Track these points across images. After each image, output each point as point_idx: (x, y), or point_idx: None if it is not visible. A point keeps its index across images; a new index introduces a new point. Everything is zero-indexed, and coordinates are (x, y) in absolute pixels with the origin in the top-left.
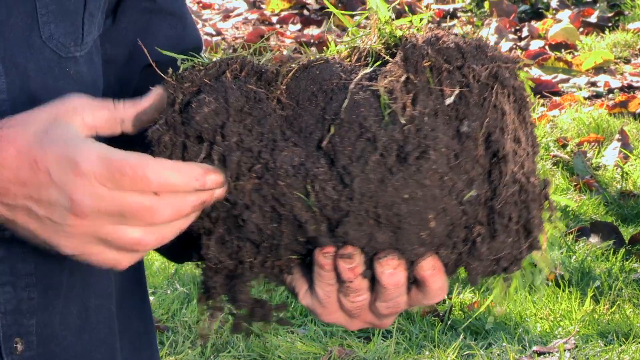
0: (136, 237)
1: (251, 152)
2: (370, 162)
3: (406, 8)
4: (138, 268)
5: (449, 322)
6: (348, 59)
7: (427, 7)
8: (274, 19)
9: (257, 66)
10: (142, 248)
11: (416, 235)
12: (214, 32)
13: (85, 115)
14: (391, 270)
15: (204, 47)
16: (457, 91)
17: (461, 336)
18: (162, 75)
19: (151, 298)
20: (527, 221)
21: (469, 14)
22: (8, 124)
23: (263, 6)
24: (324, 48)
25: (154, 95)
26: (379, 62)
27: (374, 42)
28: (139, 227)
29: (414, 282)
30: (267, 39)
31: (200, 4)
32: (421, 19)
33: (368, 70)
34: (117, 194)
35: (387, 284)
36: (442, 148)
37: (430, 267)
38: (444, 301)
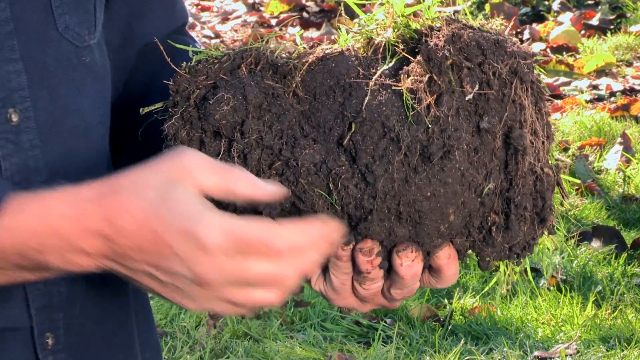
0: (264, 299)
1: (272, 149)
2: (394, 162)
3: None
4: None
5: (449, 327)
6: (362, 51)
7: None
8: (273, 22)
9: (272, 59)
10: (269, 306)
11: (435, 229)
12: (212, 35)
13: (199, 176)
14: (409, 263)
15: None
16: (477, 88)
17: (462, 341)
18: (176, 68)
19: None
20: (542, 209)
21: (469, 16)
22: (120, 186)
23: (262, 9)
24: (337, 37)
25: (276, 193)
26: (397, 57)
27: (390, 35)
28: (264, 291)
29: (429, 267)
30: (267, 42)
31: (199, 7)
32: (429, 7)
33: (386, 66)
34: (242, 264)
35: (405, 275)
36: (464, 146)
37: (447, 256)
38: (445, 306)
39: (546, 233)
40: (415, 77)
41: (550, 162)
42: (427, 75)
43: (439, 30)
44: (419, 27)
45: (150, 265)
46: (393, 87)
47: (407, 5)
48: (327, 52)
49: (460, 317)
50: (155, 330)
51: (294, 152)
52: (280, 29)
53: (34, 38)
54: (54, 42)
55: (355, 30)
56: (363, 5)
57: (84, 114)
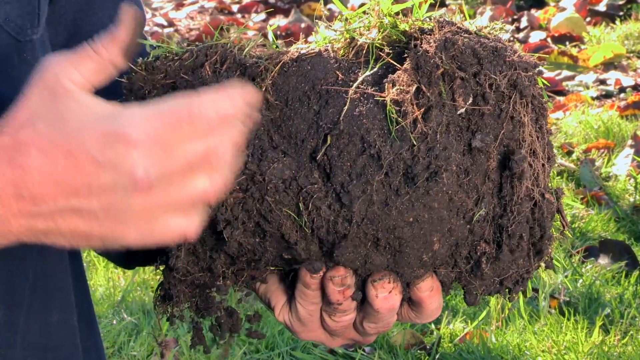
0: (205, 187)
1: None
2: (373, 182)
3: None
4: (83, 275)
5: (437, 356)
6: (343, 52)
7: None
8: (235, 8)
9: (240, 58)
10: (212, 197)
11: (417, 258)
12: (165, 23)
13: (72, 76)
14: (385, 294)
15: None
16: (470, 101)
17: None
18: (131, 65)
19: None
20: (539, 240)
21: (460, 1)
22: (10, 128)
23: None
24: (308, 39)
25: (127, 20)
26: (381, 62)
27: (375, 37)
28: (204, 177)
29: (409, 300)
30: (227, 31)
31: None
32: (420, 4)
33: (369, 72)
34: (176, 148)
35: (380, 308)
36: (453, 167)
37: (429, 288)
38: (432, 331)
39: (542, 266)
40: (401, 87)
41: (550, 186)
42: (415, 86)
43: (430, 34)
44: (407, 29)
45: (73, 195)
46: (376, 97)
47: (396, 3)
48: (302, 52)
49: (449, 344)
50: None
51: (260, 166)
52: (243, 17)
53: None
54: None
55: (336, 28)
56: None
57: None
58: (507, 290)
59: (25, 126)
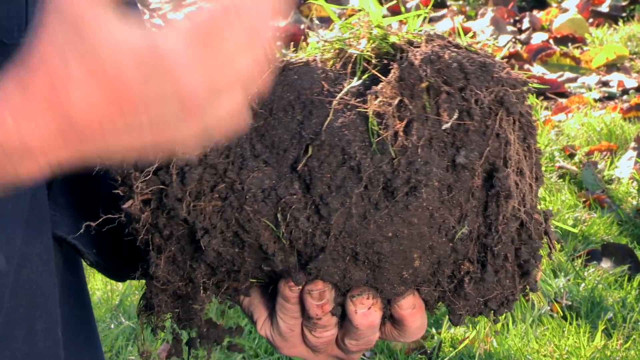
0: (249, 67)
1: (215, 169)
2: (352, 195)
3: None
4: (82, 289)
5: None
6: (332, 63)
7: None
8: None
9: None
10: (259, 72)
11: (397, 275)
12: (163, 25)
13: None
14: (365, 310)
15: None
16: (455, 116)
17: None
18: None
19: None
20: (525, 261)
21: (461, 2)
22: (40, 65)
23: None
24: (303, 44)
25: None
26: (367, 74)
27: (363, 48)
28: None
29: (390, 317)
30: None
31: None
32: (414, 17)
33: (355, 83)
34: (221, 52)
35: (360, 324)
36: (434, 183)
37: (410, 306)
38: (432, 336)
39: (527, 289)
40: (384, 99)
41: (538, 207)
42: (398, 98)
43: (418, 47)
44: (397, 41)
45: (119, 116)
46: (358, 109)
47: (388, 15)
48: (290, 61)
49: (450, 348)
50: None
51: (240, 174)
52: None
53: None
54: None
55: (327, 37)
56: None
57: None
58: (491, 311)
59: (56, 62)
